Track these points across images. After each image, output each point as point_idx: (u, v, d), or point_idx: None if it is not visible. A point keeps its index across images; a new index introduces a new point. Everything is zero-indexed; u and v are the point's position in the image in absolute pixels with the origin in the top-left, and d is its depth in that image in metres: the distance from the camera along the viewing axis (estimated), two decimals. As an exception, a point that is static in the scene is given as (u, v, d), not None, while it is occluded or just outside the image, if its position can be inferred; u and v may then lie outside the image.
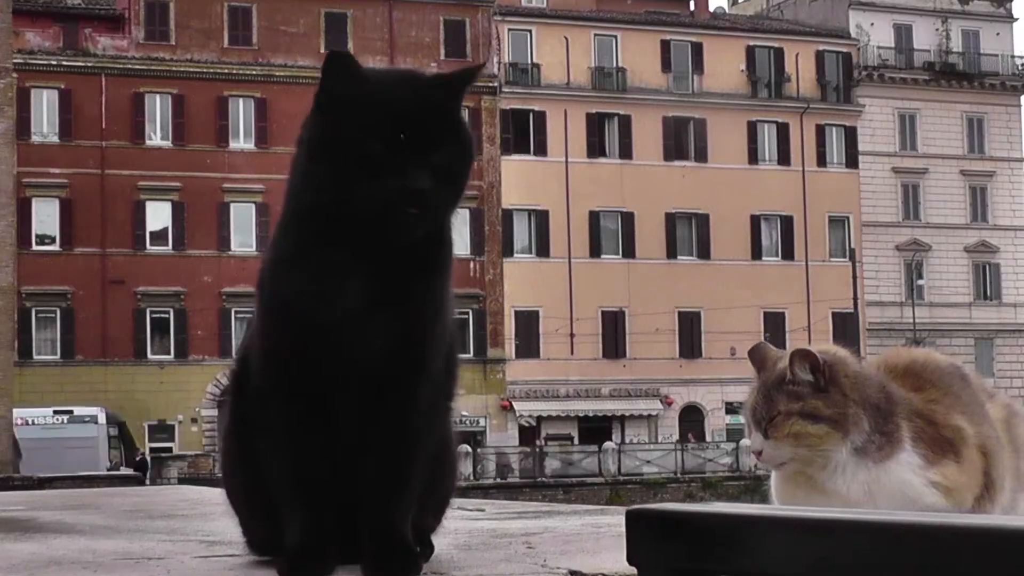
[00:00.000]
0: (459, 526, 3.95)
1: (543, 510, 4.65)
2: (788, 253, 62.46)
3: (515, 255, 59.02)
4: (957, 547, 1.24)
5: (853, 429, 2.25)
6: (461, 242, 59.65)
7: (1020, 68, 67.44)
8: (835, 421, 2.27)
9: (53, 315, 53.81)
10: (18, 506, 6.28)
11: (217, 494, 7.42)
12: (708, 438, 57.52)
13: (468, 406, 56.56)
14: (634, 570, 1.65)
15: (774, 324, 60.06)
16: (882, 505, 2.18)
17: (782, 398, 2.29)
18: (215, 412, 54.92)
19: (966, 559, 1.25)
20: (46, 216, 53.91)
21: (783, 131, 63.01)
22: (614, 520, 3.99)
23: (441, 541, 3.47)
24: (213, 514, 5.14)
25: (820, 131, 63.48)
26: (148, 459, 49.06)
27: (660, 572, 1.60)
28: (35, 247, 53.29)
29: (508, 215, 58.87)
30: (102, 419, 46.55)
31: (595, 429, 56.63)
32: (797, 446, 2.29)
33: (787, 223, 62.47)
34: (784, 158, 62.94)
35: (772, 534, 1.45)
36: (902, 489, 2.20)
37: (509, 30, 60.03)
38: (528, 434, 56.95)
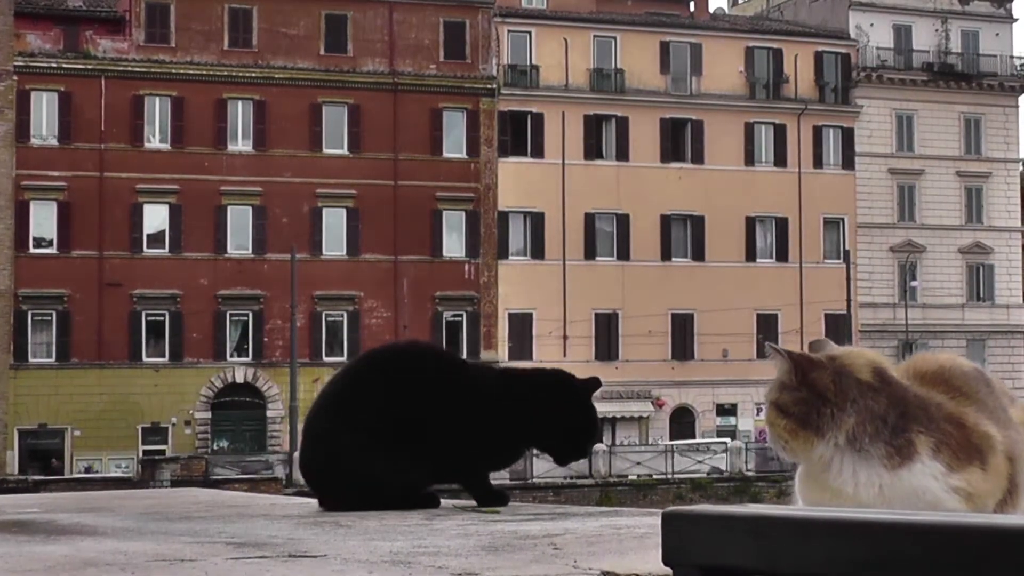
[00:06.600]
0: (479, 528, 4.01)
1: (558, 512, 4.72)
2: (782, 255, 62.26)
3: (510, 257, 58.95)
4: (995, 548, 1.30)
5: (832, 431, 2.26)
6: (457, 244, 59.64)
7: (1019, 68, 66.96)
8: (803, 420, 2.28)
9: (49, 318, 53.43)
10: (33, 508, 6.33)
11: (228, 496, 7.47)
12: (699, 439, 57.31)
13: (463, 408, 56.46)
14: (668, 571, 1.71)
15: (767, 326, 59.91)
16: (897, 508, 2.20)
17: (775, 386, 2.35)
18: (209, 415, 54.90)
19: (1005, 560, 1.30)
20: (44, 219, 53.63)
21: (780, 132, 62.86)
22: (631, 522, 4.06)
23: (466, 542, 3.54)
24: (229, 516, 5.18)
25: (817, 132, 63.28)
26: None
27: (695, 572, 1.65)
28: (32, 250, 53.07)
29: (504, 217, 58.79)
30: None
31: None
32: (772, 436, 2.36)
33: (782, 225, 62.32)
34: (780, 160, 62.77)
35: (808, 535, 1.51)
36: (921, 494, 2.23)
37: (509, 32, 59.94)
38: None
